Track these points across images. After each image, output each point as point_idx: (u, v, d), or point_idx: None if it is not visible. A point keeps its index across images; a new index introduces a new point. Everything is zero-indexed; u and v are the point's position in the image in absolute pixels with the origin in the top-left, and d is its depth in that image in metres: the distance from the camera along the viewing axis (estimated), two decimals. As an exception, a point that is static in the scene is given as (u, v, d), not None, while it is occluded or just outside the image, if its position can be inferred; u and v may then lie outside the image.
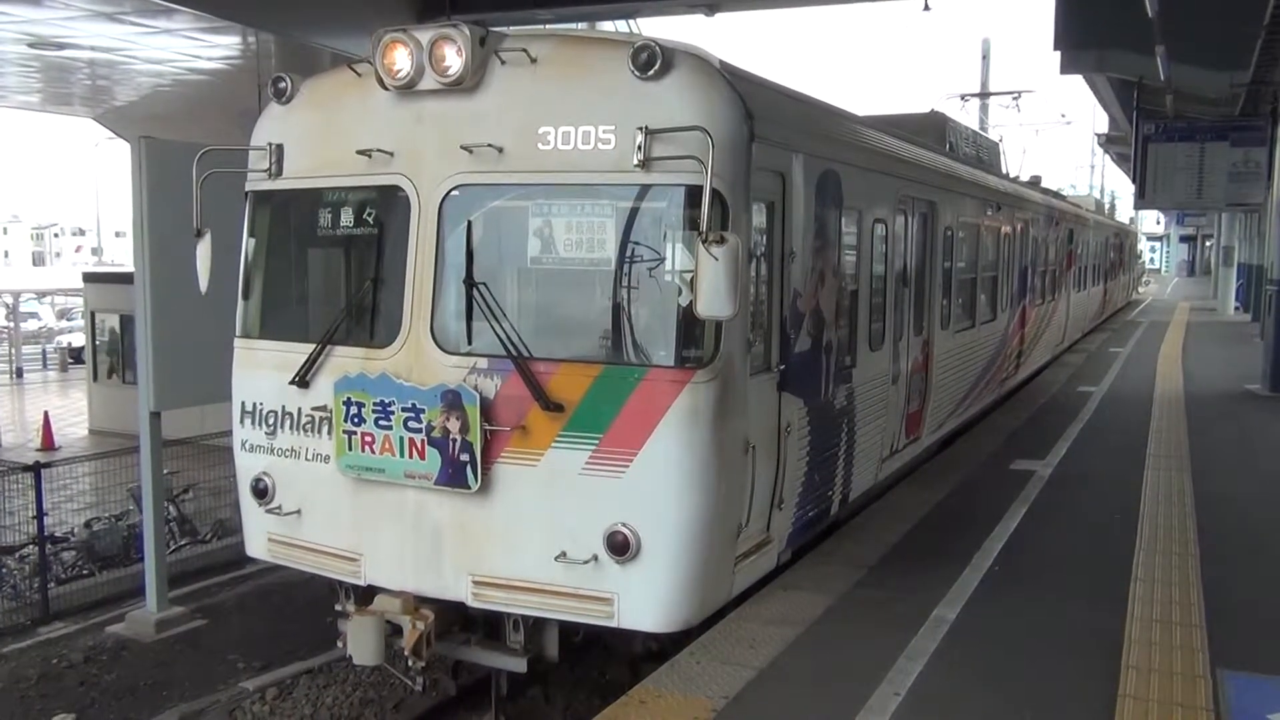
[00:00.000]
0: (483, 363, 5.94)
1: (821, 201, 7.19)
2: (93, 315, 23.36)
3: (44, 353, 36.98)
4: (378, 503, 6.29)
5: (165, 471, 10.54)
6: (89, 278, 25.75)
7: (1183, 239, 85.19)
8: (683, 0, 16.77)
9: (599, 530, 5.69)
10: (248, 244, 7.04)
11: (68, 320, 43.28)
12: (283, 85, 6.75)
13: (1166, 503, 9.23)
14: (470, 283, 6.01)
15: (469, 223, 6.10)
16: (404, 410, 5.98)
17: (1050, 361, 19.70)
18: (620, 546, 5.65)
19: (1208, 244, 71.87)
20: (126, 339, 21.15)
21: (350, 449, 6.20)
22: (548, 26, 15.33)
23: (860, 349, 8.25)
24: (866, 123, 9.04)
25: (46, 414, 21.73)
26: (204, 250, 6.73)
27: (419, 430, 5.95)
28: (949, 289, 11.21)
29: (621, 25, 20.87)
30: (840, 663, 5.75)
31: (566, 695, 7.67)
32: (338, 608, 6.78)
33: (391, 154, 6.22)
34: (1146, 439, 12.17)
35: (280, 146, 6.72)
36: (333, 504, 6.49)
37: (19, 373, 32.81)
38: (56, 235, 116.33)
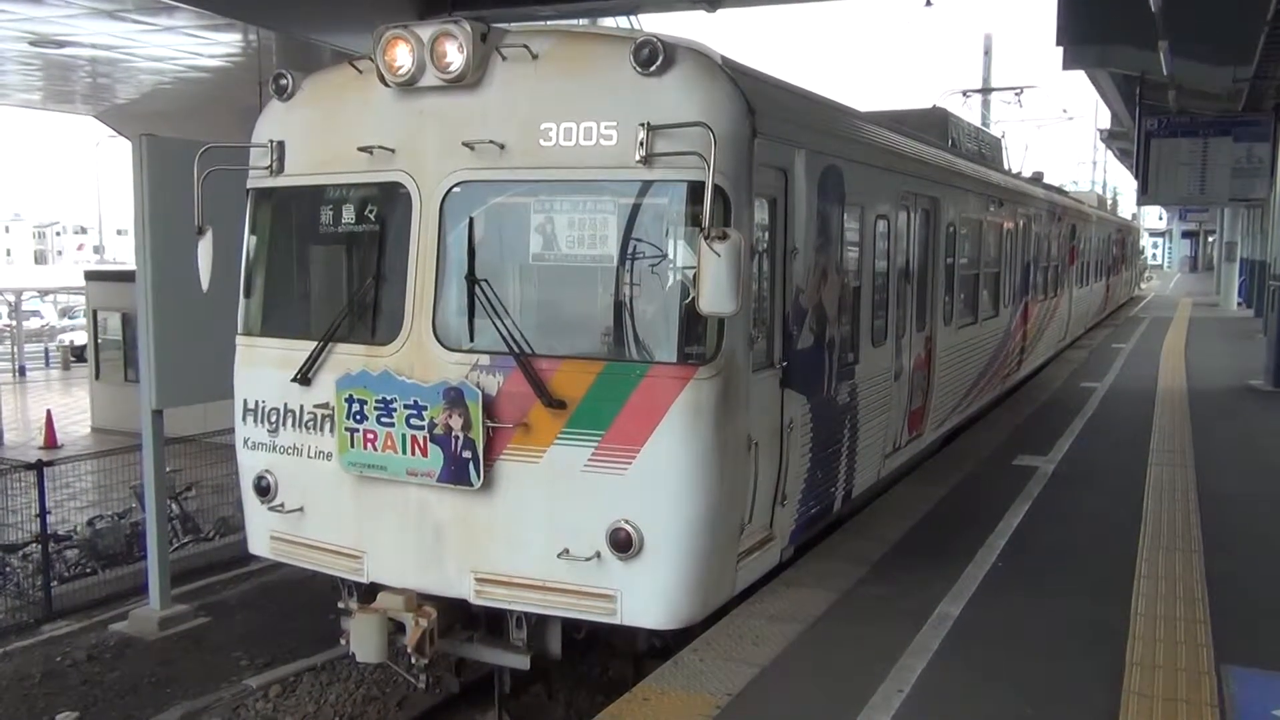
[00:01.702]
0: (485, 359, 5.93)
1: (824, 197, 7.18)
2: (95, 313, 23.39)
3: (46, 351, 36.99)
4: (380, 500, 6.28)
5: (168, 469, 10.54)
6: (91, 276, 25.77)
7: (1185, 235, 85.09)
8: (684, -4, 16.75)
9: (602, 527, 5.69)
10: (249, 241, 7.03)
11: (70, 318, 43.28)
12: (284, 82, 6.74)
13: (1170, 498, 9.22)
14: (472, 279, 6.00)
15: (471, 219, 6.09)
16: (406, 407, 5.97)
17: (1053, 357, 19.68)
18: (623, 543, 5.65)
19: (1210, 240, 71.79)
20: (128, 336, 21.18)
21: (352, 446, 6.20)
22: (549, 23, 15.31)
23: (863, 345, 8.24)
24: (869, 119, 9.02)
25: (49, 412, 21.74)
26: (205, 248, 6.73)
27: (421, 427, 5.94)
28: (951, 285, 11.19)
29: (623, 21, 20.84)
30: (844, 659, 5.74)
31: (569, 692, 7.67)
32: (340, 605, 6.77)
33: (393, 151, 6.21)
34: (1150, 435, 12.15)
35: (281, 144, 6.71)
36: (335, 501, 6.48)
37: (21, 371, 32.84)
38: (59, 234, 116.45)
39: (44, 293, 45.22)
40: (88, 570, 11.97)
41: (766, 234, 6.47)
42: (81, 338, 31.00)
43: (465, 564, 6.07)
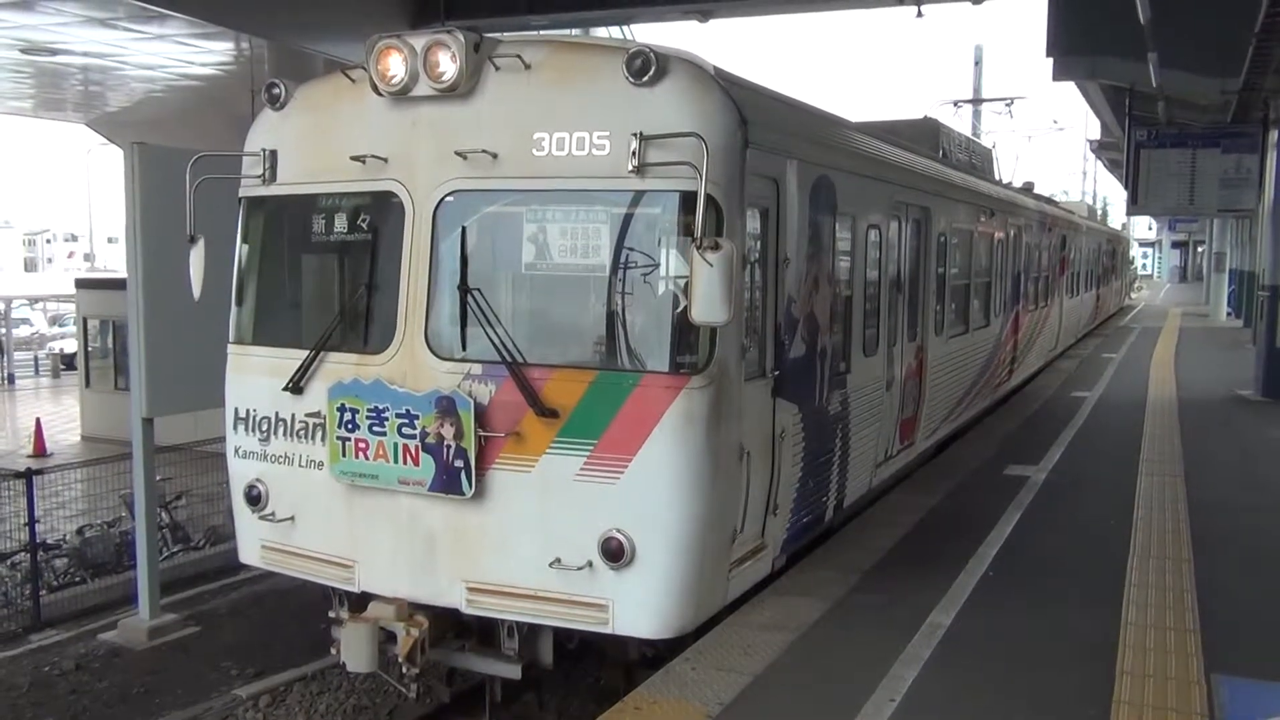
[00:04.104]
0: (477, 368, 5.93)
1: (815, 207, 7.20)
2: (85, 321, 23.33)
3: (36, 359, 36.87)
4: (372, 509, 6.27)
5: (158, 478, 10.50)
6: (81, 284, 25.71)
7: (1174, 245, 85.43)
8: (677, 7, 16.83)
9: (594, 536, 5.68)
10: (241, 250, 7.03)
11: (60, 326, 43.13)
12: (276, 91, 6.74)
13: (1160, 508, 9.25)
14: (464, 288, 6.00)
15: (463, 228, 6.10)
16: (398, 416, 5.97)
17: (1044, 367, 19.74)
18: (615, 552, 5.64)
19: (1199, 250, 72.12)
20: (118, 344, 21.14)
21: (344, 455, 6.19)
22: (542, 33, 15.35)
23: (854, 355, 8.26)
24: (860, 129, 9.06)
25: (38, 420, 21.65)
26: (197, 256, 6.71)
27: (413, 436, 5.93)
28: (942, 295, 11.22)
29: (615, 31, 20.90)
30: (835, 668, 5.74)
31: (561, 701, 7.66)
32: (331, 614, 6.75)
33: (386, 160, 6.22)
34: (1140, 444, 12.19)
35: (274, 152, 6.71)
36: (326, 510, 6.47)
37: (11, 379, 32.72)
38: (49, 241, 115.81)
39: (34, 300, 45.04)
40: (77, 579, 11.91)
41: (758, 243, 6.48)
42: (71, 345, 30.91)
43: (457, 573, 6.06)
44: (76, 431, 22.74)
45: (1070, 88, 25.69)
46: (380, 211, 6.41)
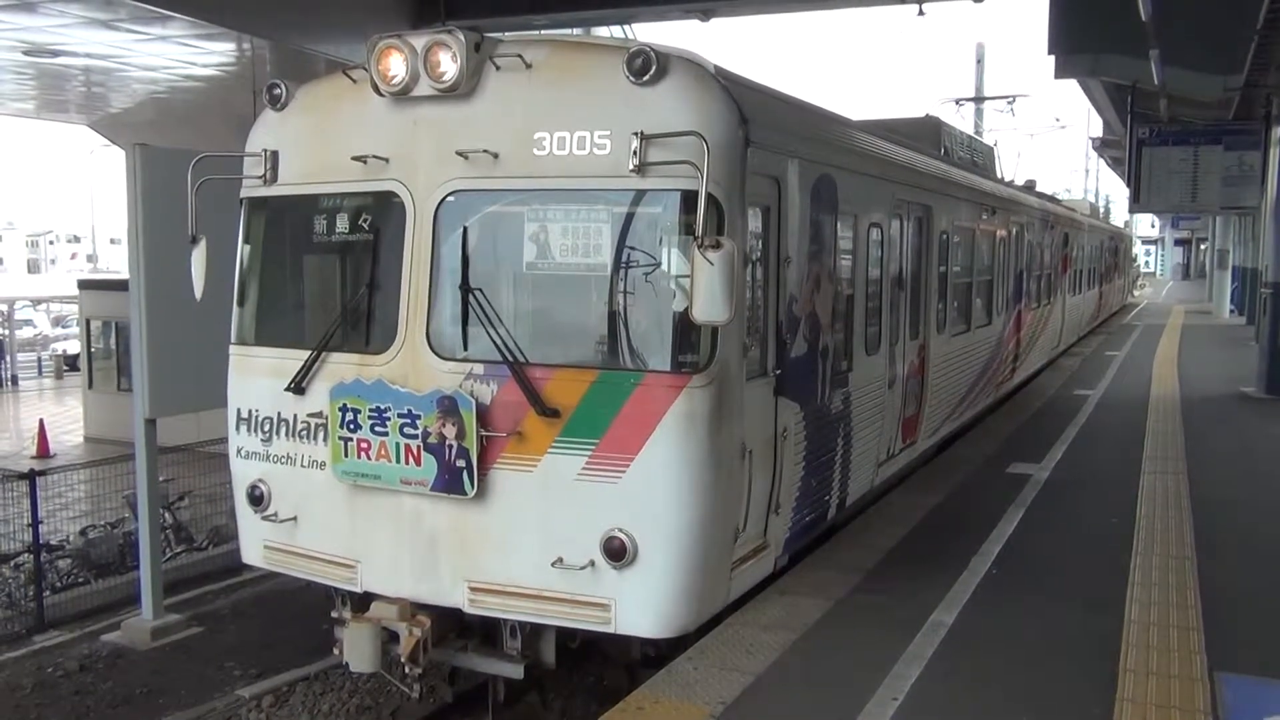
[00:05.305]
0: (479, 368, 5.93)
1: (817, 206, 7.20)
2: (88, 322, 23.36)
3: (39, 360, 36.93)
4: (374, 509, 6.28)
5: (161, 479, 10.51)
6: (84, 285, 25.76)
7: (1177, 242, 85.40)
8: (678, 6, 16.82)
9: (596, 536, 5.69)
10: (243, 250, 7.04)
11: (63, 327, 43.18)
12: (277, 91, 6.75)
13: (1163, 505, 9.23)
14: (466, 288, 6.00)
15: (464, 228, 6.10)
16: (400, 416, 5.97)
17: (1046, 365, 19.72)
18: (617, 552, 5.65)
19: (1202, 247, 72.04)
20: (121, 345, 21.18)
21: (346, 455, 6.19)
22: (542, 32, 15.34)
23: (856, 353, 8.25)
24: (861, 127, 9.05)
25: (42, 421, 21.69)
26: (199, 256, 6.72)
27: (415, 436, 5.94)
28: (944, 293, 11.22)
29: (616, 31, 20.90)
30: (838, 667, 5.74)
31: (564, 701, 7.66)
32: (334, 614, 6.76)
33: (386, 160, 6.22)
34: (1143, 442, 12.18)
35: (275, 153, 6.72)
36: (329, 511, 6.47)
37: (14, 380, 32.77)
38: (52, 242, 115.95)
39: (37, 302, 45.11)
40: (80, 580, 11.92)
41: (760, 242, 6.48)
42: (74, 347, 30.95)
43: (459, 573, 6.07)
44: (80, 432, 22.79)
45: (1072, 85, 25.68)
46: (381, 211, 6.41)
